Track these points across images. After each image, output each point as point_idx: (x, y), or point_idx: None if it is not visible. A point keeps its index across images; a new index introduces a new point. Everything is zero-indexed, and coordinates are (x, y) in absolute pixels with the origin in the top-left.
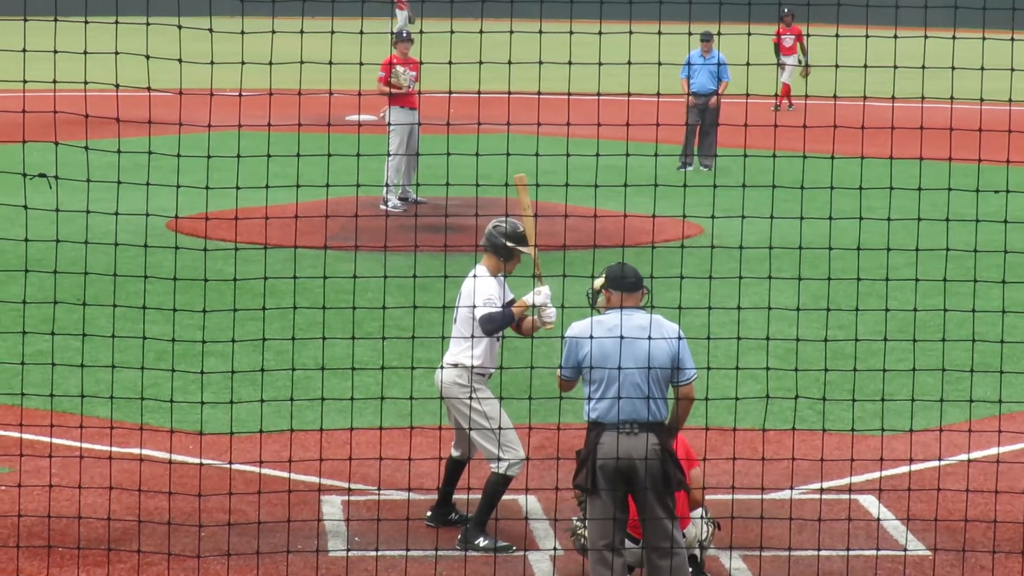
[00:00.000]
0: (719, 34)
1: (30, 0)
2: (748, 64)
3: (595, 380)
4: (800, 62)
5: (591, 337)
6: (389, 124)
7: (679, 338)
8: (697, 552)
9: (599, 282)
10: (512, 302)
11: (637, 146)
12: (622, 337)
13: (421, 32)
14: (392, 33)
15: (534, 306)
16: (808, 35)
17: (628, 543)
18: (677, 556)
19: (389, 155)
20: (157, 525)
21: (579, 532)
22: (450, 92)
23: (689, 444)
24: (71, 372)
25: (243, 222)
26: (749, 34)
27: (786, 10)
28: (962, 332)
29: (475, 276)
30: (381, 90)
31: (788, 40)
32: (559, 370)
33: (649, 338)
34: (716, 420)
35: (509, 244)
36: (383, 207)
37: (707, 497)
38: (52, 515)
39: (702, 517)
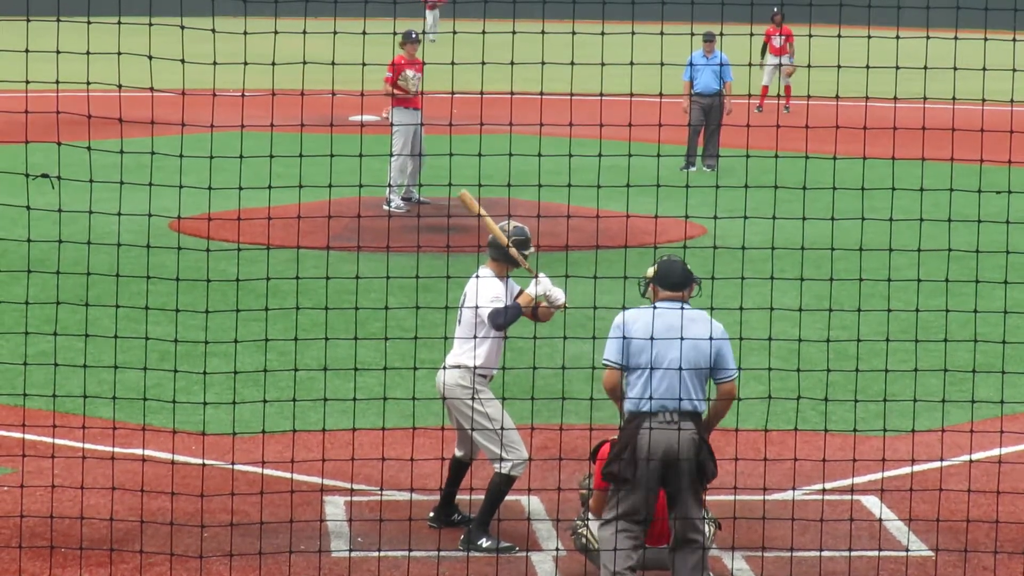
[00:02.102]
0: (721, 34)
1: (32, 0)
2: (750, 64)
3: (636, 370)
4: (789, 62)
5: (621, 337)
6: (392, 124)
7: (723, 337)
8: None
9: (651, 271)
10: (518, 295)
11: (639, 146)
12: (651, 337)
13: (424, 32)
14: (398, 33)
15: (538, 296)
16: (810, 35)
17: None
18: (703, 550)
19: (392, 155)
20: (159, 525)
21: (580, 531)
22: (452, 92)
23: None
24: (73, 372)
25: (245, 222)
26: (751, 35)
27: (775, 10)
28: (964, 333)
29: (479, 277)
30: (387, 91)
31: (778, 40)
32: (604, 363)
33: (681, 337)
34: None
35: (511, 248)
36: (386, 207)
37: (709, 498)
38: (54, 515)
39: (703, 518)
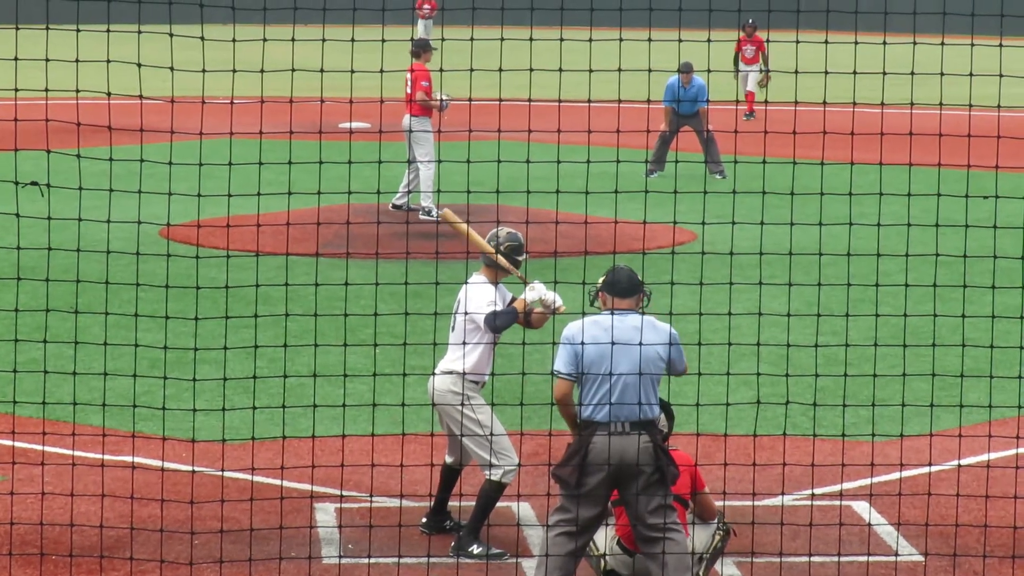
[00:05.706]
0: (708, 41)
1: (22, 8)
2: (737, 71)
3: (588, 380)
4: (761, 71)
5: (583, 343)
6: (412, 131)
7: (671, 343)
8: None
9: (601, 280)
10: (512, 301)
11: (628, 152)
12: (613, 343)
13: (411, 39)
14: (388, 40)
15: (533, 301)
16: (797, 41)
17: (619, 550)
18: (673, 539)
19: (412, 162)
20: (150, 533)
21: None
22: (442, 99)
23: (689, 457)
24: (64, 380)
25: (235, 229)
26: (740, 40)
27: (750, 20)
28: (953, 337)
29: (472, 283)
30: (425, 101)
31: (749, 51)
32: (555, 374)
33: (640, 343)
34: (708, 427)
35: (503, 256)
36: (424, 216)
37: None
38: (45, 523)
39: (716, 522)
